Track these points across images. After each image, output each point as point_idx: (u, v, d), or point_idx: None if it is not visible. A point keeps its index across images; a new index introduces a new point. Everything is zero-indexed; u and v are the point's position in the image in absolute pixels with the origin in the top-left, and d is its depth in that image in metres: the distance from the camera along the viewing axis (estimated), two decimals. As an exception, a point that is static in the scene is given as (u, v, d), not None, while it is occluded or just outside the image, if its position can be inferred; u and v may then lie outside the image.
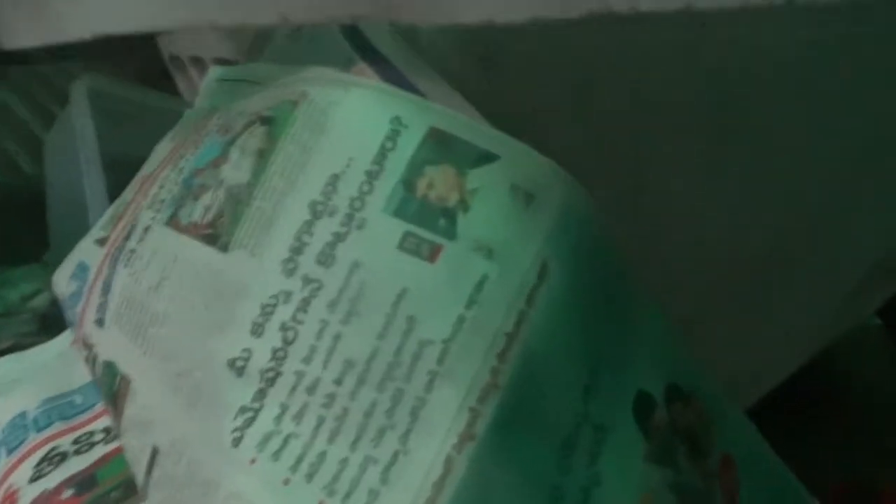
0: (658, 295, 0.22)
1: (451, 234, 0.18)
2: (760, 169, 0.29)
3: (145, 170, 0.31)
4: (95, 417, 0.29)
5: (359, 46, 0.21)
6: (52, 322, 0.36)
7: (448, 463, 0.16)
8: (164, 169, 0.29)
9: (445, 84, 0.20)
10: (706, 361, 0.23)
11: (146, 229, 0.26)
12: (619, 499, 0.17)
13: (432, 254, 0.18)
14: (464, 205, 0.18)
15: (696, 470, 0.20)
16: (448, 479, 0.16)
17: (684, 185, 0.28)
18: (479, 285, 0.18)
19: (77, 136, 0.39)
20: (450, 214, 0.18)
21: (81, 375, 0.29)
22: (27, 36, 0.27)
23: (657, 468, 0.18)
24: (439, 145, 0.19)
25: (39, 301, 0.40)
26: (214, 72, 0.31)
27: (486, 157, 0.19)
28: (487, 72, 0.22)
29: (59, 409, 0.29)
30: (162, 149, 0.31)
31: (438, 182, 0.19)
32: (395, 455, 0.16)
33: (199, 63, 0.44)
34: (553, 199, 0.19)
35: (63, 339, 0.31)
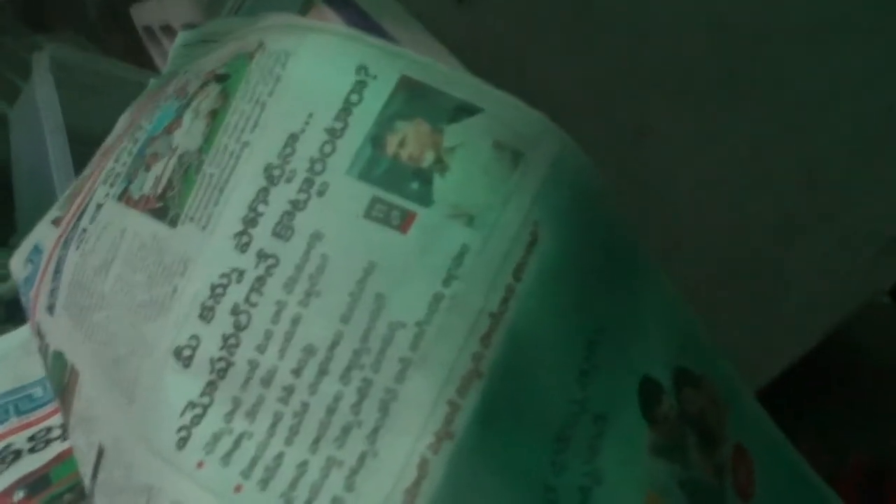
0: (661, 262, 0.19)
1: (425, 199, 0.16)
2: (772, 123, 0.27)
3: (105, 144, 0.29)
4: (54, 412, 0.27)
5: (320, -12, 0.19)
6: (19, 309, 0.34)
7: (423, 466, 0.13)
8: (121, 141, 0.27)
9: (418, 25, 0.18)
10: (718, 336, 0.20)
11: (98, 206, 0.24)
12: (621, 499, 0.15)
13: (404, 222, 0.15)
14: (440, 165, 0.16)
15: (706, 463, 0.17)
16: (423, 485, 0.13)
17: (692, 134, 0.25)
18: (459, 257, 0.15)
19: (40, 107, 0.36)
20: (424, 176, 0.16)
21: (41, 368, 0.26)
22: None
23: (664, 462, 0.16)
24: (412, 97, 0.16)
25: (5, 287, 0.37)
26: (180, 37, 0.28)
27: (466, 110, 0.16)
28: (462, 9, 0.19)
29: (16, 402, 0.27)
30: (122, 120, 0.29)
31: (411, 139, 0.16)
32: (362, 457, 0.14)
33: (169, 31, 0.41)
34: (542, 157, 0.16)
35: (27, 329, 0.29)
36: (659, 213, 0.24)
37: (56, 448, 0.24)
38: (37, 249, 0.27)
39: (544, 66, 0.22)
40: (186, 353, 0.16)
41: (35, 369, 0.28)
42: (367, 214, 0.16)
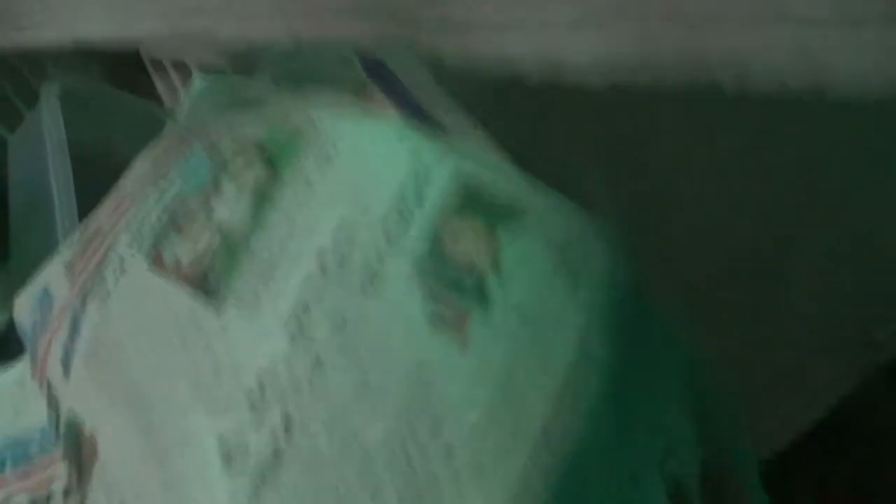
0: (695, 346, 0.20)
1: (483, 301, 0.16)
2: (798, 188, 0.27)
3: (122, 187, 0.28)
4: (52, 464, 0.26)
5: (371, 68, 0.19)
6: (7, 344, 0.33)
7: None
8: (143, 188, 0.26)
9: (469, 121, 0.18)
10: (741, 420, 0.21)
11: (123, 262, 0.23)
12: None
13: (459, 323, 0.16)
14: (495, 266, 0.16)
15: None
16: None
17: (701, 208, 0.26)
18: (514, 366, 0.15)
19: (45, 130, 0.36)
20: (478, 277, 0.16)
21: (41, 414, 0.26)
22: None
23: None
24: (469, 194, 0.17)
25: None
26: (199, 80, 0.28)
27: (519, 211, 0.17)
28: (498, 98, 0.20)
29: (17, 450, 0.26)
30: (140, 164, 0.28)
31: (469, 238, 0.16)
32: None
33: (181, 67, 0.41)
34: (595, 258, 0.17)
35: (23, 368, 0.28)
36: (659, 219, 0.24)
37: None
38: (47, 294, 0.27)
39: (574, 145, 0.22)
40: (233, 447, 0.16)
41: (34, 416, 0.27)
42: (423, 314, 0.16)
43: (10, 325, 0.36)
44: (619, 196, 0.21)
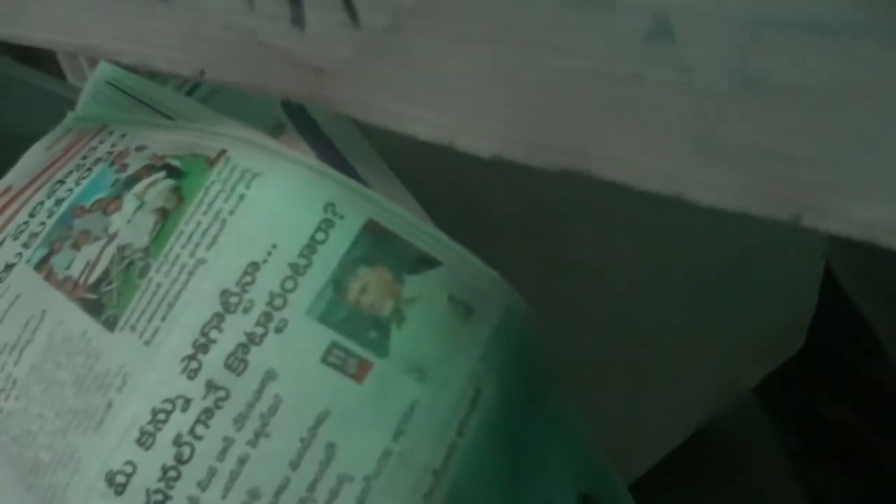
0: (574, 396, 0.21)
1: (382, 349, 0.16)
2: (666, 260, 0.30)
3: (11, 179, 0.27)
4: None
5: (292, 110, 0.19)
6: None
7: None
8: (35, 189, 0.25)
9: (388, 170, 0.18)
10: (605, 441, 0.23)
11: (8, 267, 0.22)
12: None
13: (360, 371, 0.16)
14: (399, 316, 0.17)
15: None
16: None
17: (604, 271, 0.28)
18: (409, 413, 0.16)
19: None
20: (382, 326, 0.16)
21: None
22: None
23: None
24: (377, 243, 0.17)
25: None
26: (106, 71, 0.27)
27: (427, 262, 0.17)
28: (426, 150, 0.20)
29: None
30: (34, 157, 0.27)
31: (373, 286, 0.17)
32: None
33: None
34: (492, 313, 0.18)
35: None
36: (567, 329, 0.26)
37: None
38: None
39: (494, 204, 0.23)
40: (120, 479, 0.16)
41: None
42: (325, 359, 0.16)
43: None
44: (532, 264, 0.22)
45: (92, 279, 0.19)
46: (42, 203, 0.23)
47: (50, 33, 0.20)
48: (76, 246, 0.20)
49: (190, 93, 0.23)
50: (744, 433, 0.41)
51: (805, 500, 0.40)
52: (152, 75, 0.27)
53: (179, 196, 0.19)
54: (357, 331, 0.16)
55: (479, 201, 0.22)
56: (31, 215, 0.23)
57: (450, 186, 0.21)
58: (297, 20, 0.14)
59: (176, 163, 0.20)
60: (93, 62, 0.38)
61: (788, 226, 0.11)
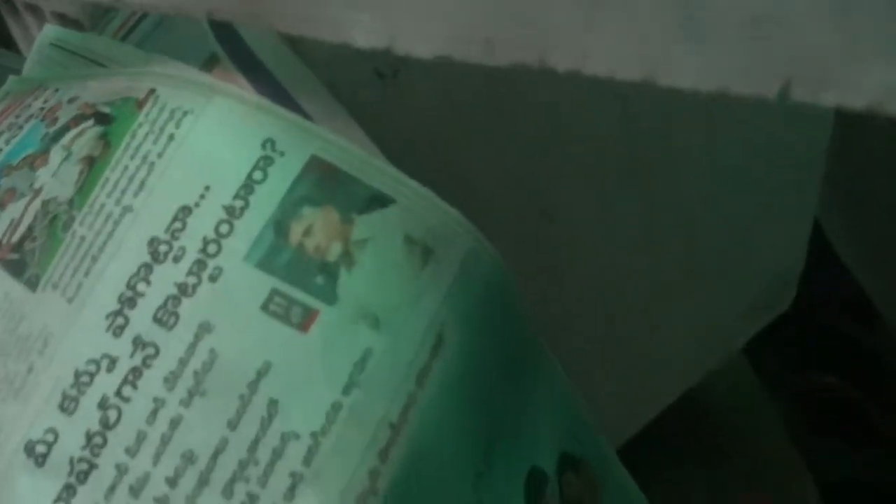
0: (551, 352, 0.20)
1: (329, 296, 0.15)
2: (655, 211, 0.29)
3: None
4: None
5: (226, 41, 0.17)
6: None
7: None
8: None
9: (336, 104, 0.17)
10: (592, 400, 0.21)
11: (-67, 234, 0.20)
12: None
13: (305, 320, 0.14)
14: (348, 259, 0.15)
15: None
16: None
17: (586, 222, 0.27)
18: (361, 363, 0.14)
19: None
20: (330, 271, 0.15)
21: None
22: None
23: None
24: (322, 181, 0.15)
25: None
26: (50, 32, 0.25)
27: (379, 201, 0.16)
28: (386, 88, 0.19)
29: None
30: (-31, 123, 0.25)
31: (318, 228, 0.15)
32: (242, 582, 0.13)
33: (36, 11, 0.37)
34: (454, 254, 0.16)
35: None
36: (549, 286, 0.24)
37: None
38: None
39: (458, 148, 0.22)
40: (41, 448, 0.14)
41: None
42: (265, 308, 0.14)
43: None
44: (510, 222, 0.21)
45: (15, 238, 0.17)
46: (-28, 167, 0.22)
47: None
48: (1, 205, 0.19)
49: (125, 38, 0.22)
50: (736, 399, 0.40)
51: (800, 467, 0.39)
52: (93, 26, 0.26)
53: (106, 142, 0.17)
54: (301, 277, 0.15)
55: (444, 146, 0.21)
56: (-39, 180, 0.21)
57: (411, 129, 0.20)
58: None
59: (106, 109, 0.18)
60: (41, 25, 0.36)
61: (775, 103, 0.09)
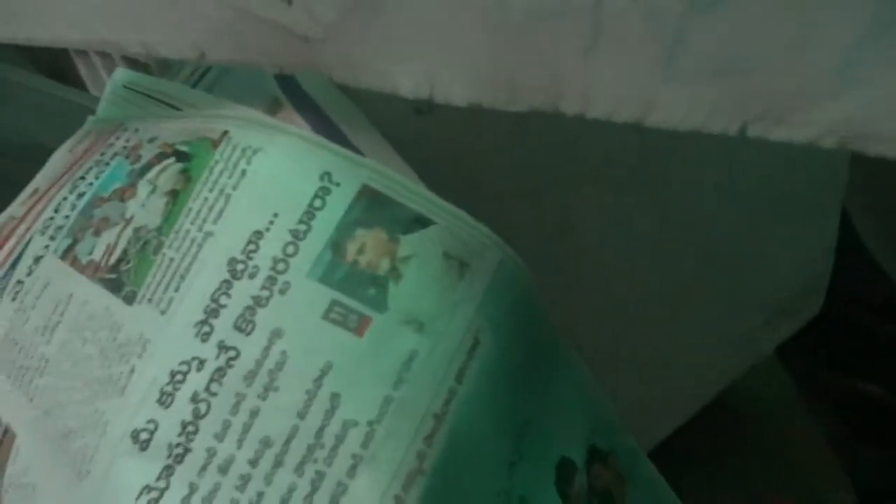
0: (578, 351, 0.22)
1: (380, 305, 0.17)
2: (672, 218, 0.30)
3: (38, 182, 0.28)
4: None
5: (286, 87, 0.20)
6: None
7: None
8: (59, 187, 0.26)
9: (381, 138, 0.19)
10: (614, 400, 0.23)
11: (37, 259, 0.24)
12: None
13: (360, 326, 0.17)
14: (395, 273, 0.18)
15: None
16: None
17: (604, 231, 0.28)
18: (408, 362, 0.17)
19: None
20: (380, 283, 0.17)
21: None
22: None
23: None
24: (372, 206, 0.18)
25: None
26: (122, 75, 0.28)
27: (420, 222, 0.18)
28: (422, 122, 0.21)
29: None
30: (58, 160, 0.29)
31: (369, 247, 0.18)
32: (313, 545, 0.15)
33: (103, 54, 0.40)
34: (486, 266, 0.18)
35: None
36: (573, 294, 0.26)
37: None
38: (-42, 289, 0.27)
39: (484, 169, 0.24)
40: (144, 436, 0.17)
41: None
42: (326, 316, 0.17)
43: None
44: (528, 228, 0.23)
45: (112, 261, 0.20)
46: (66, 199, 0.25)
47: (53, 31, 0.21)
48: (97, 233, 0.22)
49: (195, 84, 0.24)
50: (767, 401, 0.41)
51: (836, 472, 0.39)
52: (163, 71, 0.29)
53: (187, 177, 0.20)
54: (356, 289, 0.17)
55: (473, 168, 0.23)
56: (56, 211, 0.25)
57: (444, 155, 0.22)
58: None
59: (184, 148, 0.21)
60: (109, 67, 0.40)
61: (737, 139, 0.11)
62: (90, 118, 0.29)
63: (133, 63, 0.35)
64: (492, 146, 0.23)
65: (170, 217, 0.19)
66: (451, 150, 0.22)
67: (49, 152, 0.29)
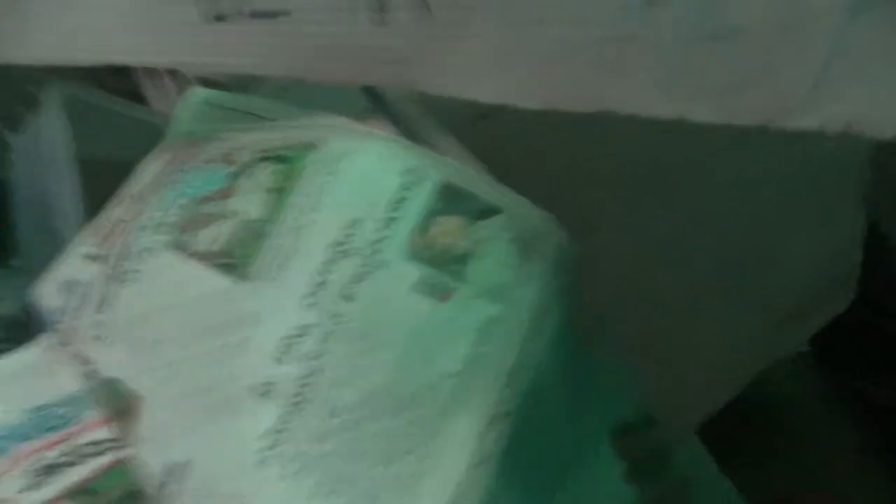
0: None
1: (461, 278, 0.20)
2: (698, 208, 0.32)
3: (133, 187, 0.32)
4: (83, 430, 0.29)
5: (374, 99, 0.24)
6: (20, 329, 0.36)
7: (463, 484, 0.18)
8: (157, 188, 0.30)
9: (453, 139, 0.23)
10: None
11: (147, 251, 0.27)
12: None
13: (445, 295, 0.20)
14: (472, 253, 0.21)
15: (660, 486, 0.23)
16: (463, 499, 0.18)
17: (626, 232, 0.31)
18: (487, 325, 0.20)
19: (51, 138, 0.39)
20: (460, 260, 0.21)
21: (64, 385, 0.29)
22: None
23: (631, 487, 0.21)
24: (450, 197, 0.21)
25: (5, 307, 0.39)
26: (200, 93, 0.32)
27: (491, 210, 0.22)
28: (481, 127, 0.25)
29: (45, 419, 0.30)
30: (151, 166, 0.32)
31: (449, 231, 0.21)
32: (413, 476, 0.18)
33: (174, 74, 0.44)
34: (549, 248, 0.22)
35: (36, 349, 0.31)
36: (602, 286, 0.28)
37: (93, 463, 0.27)
38: (72, 282, 0.30)
39: (515, 172, 0.27)
40: (265, 389, 0.20)
41: (57, 388, 0.30)
42: (416, 288, 0.20)
43: (19, 312, 0.39)
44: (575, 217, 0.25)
45: (221, 247, 0.24)
46: (165, 197, 0.28)
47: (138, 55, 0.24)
48: (202, 225, 0.25)
49: (278, 98, 0.28)
50: (795, 400, 0.42)
51: (865, 473, 0.40)
52: (242, 89, 0.32)
53: (289, 176, 0.23)
54: (439, 265, 0.21)
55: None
56: (159, 210, 0.28)
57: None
58: (384, 21, 0.18)
59: (284, 152, 0.25)
60: (179, 87, 0.43)
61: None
62: (173, 131, 0.32)
63: (207, 83, 0.39)
64: (521, 150, 0.26)
65: (275, 210, 0.23)
66: (507, 148, 0.25)
67: (116, 166, 0.32)
